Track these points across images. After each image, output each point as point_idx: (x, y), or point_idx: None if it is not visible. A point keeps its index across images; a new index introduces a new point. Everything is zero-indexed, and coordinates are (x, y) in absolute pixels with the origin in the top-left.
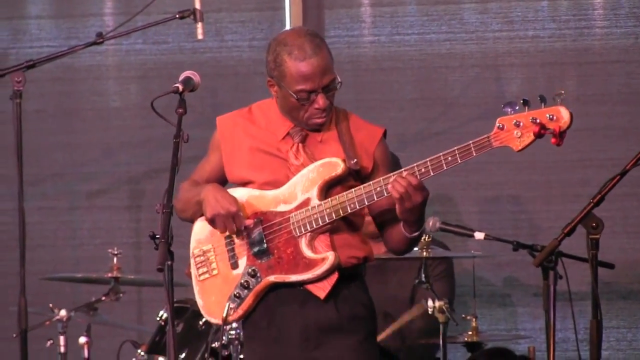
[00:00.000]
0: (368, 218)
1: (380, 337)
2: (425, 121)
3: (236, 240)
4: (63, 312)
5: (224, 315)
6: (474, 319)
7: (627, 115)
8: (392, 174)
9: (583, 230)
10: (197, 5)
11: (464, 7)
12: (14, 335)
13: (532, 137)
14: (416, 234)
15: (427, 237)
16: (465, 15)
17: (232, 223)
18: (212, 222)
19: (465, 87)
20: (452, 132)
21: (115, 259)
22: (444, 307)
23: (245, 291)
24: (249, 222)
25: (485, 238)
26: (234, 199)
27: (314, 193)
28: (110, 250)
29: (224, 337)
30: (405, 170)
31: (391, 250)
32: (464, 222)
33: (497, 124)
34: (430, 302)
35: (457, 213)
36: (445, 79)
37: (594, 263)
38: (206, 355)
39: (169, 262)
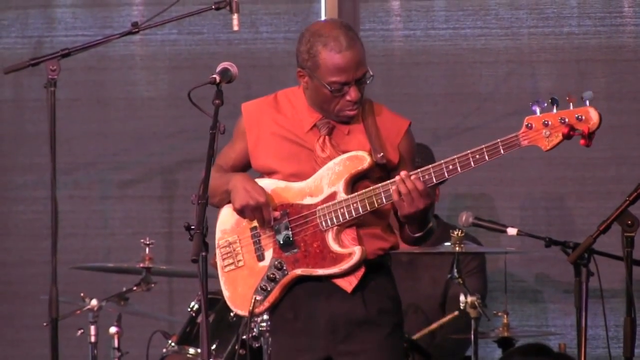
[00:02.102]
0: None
1: (415, 337)
2: (459, 116)
3: (262, 232)
4: (94, 302)
5: (251, 307)
6: (505, 315)
7: None
8: (418, 170)
9: (615, 228)
10: None
11: (499, 3)
12: (45, 324)
13: (560, 137)
14: (419, 234)
15: (460, 232)
16: (500, 11)
17: (260, 214)
18: (241, 212)
19: (499, 83)
20: (486, 127)
21: (147, 249)
22: (476, 303)
23: (272, 284)
24: (277, 214)
25: (517, 234)
26: (263, 190)
27: (340, 187)
28: (142, 240)
29: (254, 329)
30: (432, 168)
31: (404, 243)
32: (497, 218)
33: (526, 123)
34: (462, 297)
35: (490, 208)
36: (480, 74)
37: (629, 261)
38: (237, 346)
39: (204, 254)
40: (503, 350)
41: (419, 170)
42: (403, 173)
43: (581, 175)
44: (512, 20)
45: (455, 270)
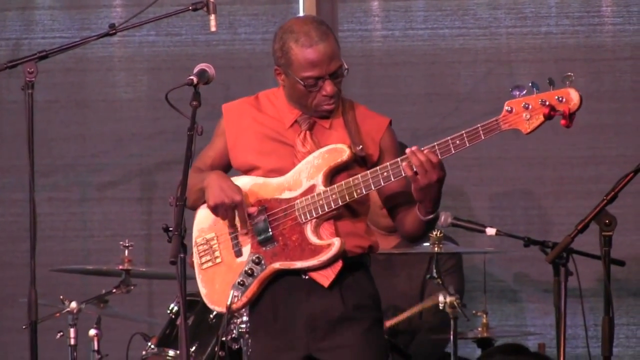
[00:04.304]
0: (383, 211)
1: (389, 323)
2: (438, 116)
3: (240, 229)
4: (73, 304)
5: (228, 303)
6: (484, 315)
7: (638, 112)
8: (399, 158)
9: (593, 227)
10: None
11: (477, 3)
12: (24, 326)
13: (541, 118)
14: (431, 216)
15: (438, 233)
16: (479, 11)
17: (234, 213)
18: (214, 210)
19: (478, 83)
20: (464, 127)
21: (126, 251)
22: (455, 303)
23: (250, 279)
24: (253, 210)
25: (496, 234)
26: (238, 188)
27: (319, 179)
28: (121, 243)
29: (233, 331)
30: (427, 150)
31: (406, 237)
32: (476, 218)
33: (506, 107)
34: (441, 297)
35: (469, 208)
36: (458, 74)
37: (607, 260)
38: (216, 348)
39: (182, 255)
40: (482, 350)
41: (401, 157)
42: (414, 147)
43: (559, 175)
44: (490, 20)
45: (435, 270)
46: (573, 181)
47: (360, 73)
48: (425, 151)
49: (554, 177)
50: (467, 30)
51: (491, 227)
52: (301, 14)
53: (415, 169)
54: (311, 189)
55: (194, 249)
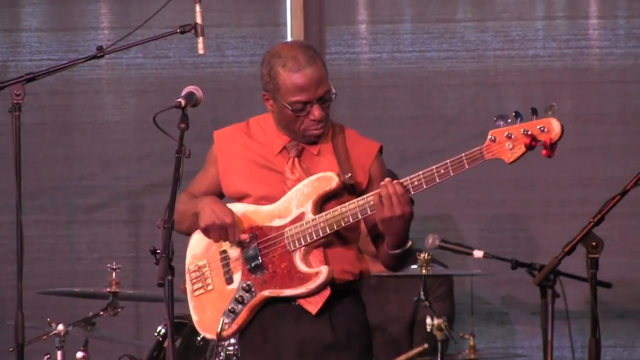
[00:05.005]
0: (368, 237)
1: None
2: (425, 139)
3: (231, 255)
4: (60, 327)
5: (219, 330)
6: (471, 337)
7: (625, 135)
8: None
9: (579, 250)
10: (199, 20)
11: (464, 26)
12: (11, 349)
13: (523, 149)
14: (397, 251)
15: (426, 255)
16: (466, 34)
17: (226, 234)
18: (206, 231)
19: (465, 106)
20: (452, 150)
21: (113, 274)
22: (442, 325)
23: (240, 306)
24: (245, 236)
25: (484, 256)
26: (230, 211)
27: (308, 207)
28: (108, 265)
29: (222, 353)
30: (397, 183)
31: (383, 266)
32: (464, 240)
33: (490, 137)
34: (429, 320)
35: (456, 231)
36: (446, 96)
37: (594, 282)
38: None
39: (170, 278)
40: None
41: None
42: (387, 179)
43: (547, 197)
44: (477, 43)
45: (422, 293)
46: (560, 204)
47: (347, 95)
48: (395, 184)
49: (541, 199)
50: (454, 53)
51: (478, 249)
52: (289, 36)
53: (382, 200)
54: (300, 216)
55: (187, 276)
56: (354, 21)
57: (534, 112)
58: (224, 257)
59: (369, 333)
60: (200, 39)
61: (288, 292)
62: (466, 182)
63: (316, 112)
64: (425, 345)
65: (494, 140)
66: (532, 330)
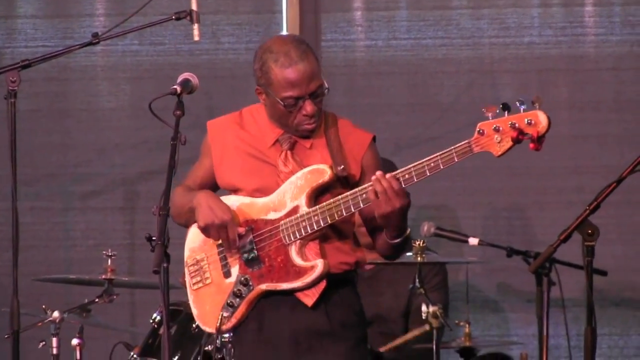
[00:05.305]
0: (361, 229)
1: (382, 349)
2: (421, 126)
3: (228, 249)
4: (56, 314)
5: (218, 324)
6: (466, 325)
7: (620, 123)
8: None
9: (575, 237)
10: (194, 7)
11: (460, 13)
12: (6, 336)
13: (510, 142)
14: (397, 240)
15: (421, 243)
16: (461, 21)
17: (225, 232)
18: (205, 230)
19: (461, 93)
20: (448, 137)
21: (109, 261)
22: (437, 313)
23: (238, 300)
24: (241, 230)
25: (479, 244)
26: (228, 208)
27: (302, 200)
28: (104, 252)
29: (217, 341)
30: (391, 177)
31: (380, 256)
32: (459, 228)
33: (478, 129)
34: (424, 307)
35: (452, 219)
36: (441, 84)
37: (589, 270)
38: (199, 358)
39: (165, 265)
40: (465, 359)
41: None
42: (378, 173)
43: (542, 185)
44: (473, 31)
45: (417, 280)
46: (556, 191)
47: (343, 83)
48: (388, 178)
49: (537, 187)
50: (450, 41)
51: (474, 237)
52: (284, 23)
53: (378, 195)
54: (295, 209)
55: (186, 270)
56: (350, 8)
57: (522, 103)
58: (222, 250)
59: (365, 323)
60: (196, 26)
61: (285, 285)
62: (462, 170)
63: (308, 107)
64: (427, 327)
65: (482, 133)
66: (528, 317)
